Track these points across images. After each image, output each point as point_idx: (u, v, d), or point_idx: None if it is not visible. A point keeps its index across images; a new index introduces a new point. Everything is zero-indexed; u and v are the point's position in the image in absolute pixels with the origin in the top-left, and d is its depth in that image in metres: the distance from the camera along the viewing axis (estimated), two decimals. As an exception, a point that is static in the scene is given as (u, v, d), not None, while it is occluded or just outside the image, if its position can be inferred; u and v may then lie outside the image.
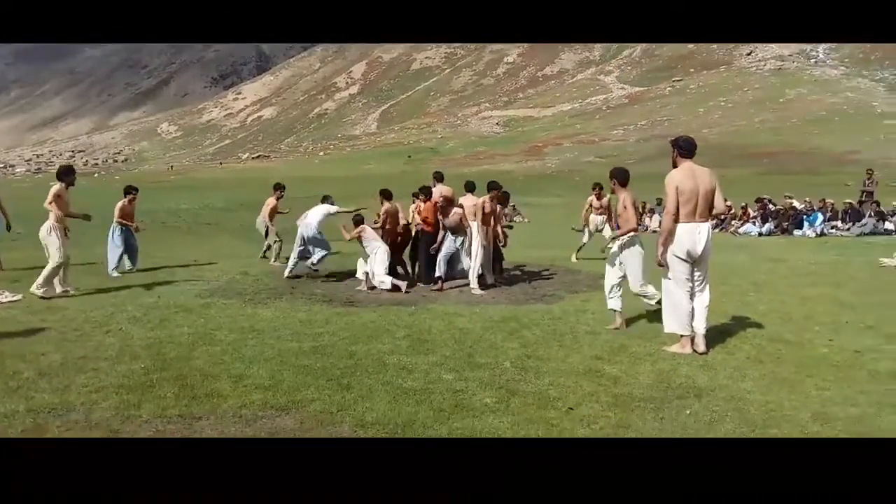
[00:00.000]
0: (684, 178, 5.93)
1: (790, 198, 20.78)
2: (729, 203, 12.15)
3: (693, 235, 5.94)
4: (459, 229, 10.20)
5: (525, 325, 7.25)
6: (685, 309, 6.06)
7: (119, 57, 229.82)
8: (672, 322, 6.16)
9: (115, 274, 11.33)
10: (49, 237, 9.06)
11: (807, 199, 20.51)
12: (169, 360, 5.84)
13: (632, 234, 7.05)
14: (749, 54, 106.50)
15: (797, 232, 19.20)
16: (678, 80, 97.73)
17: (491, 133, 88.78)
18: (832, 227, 18.93)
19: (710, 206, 6.00)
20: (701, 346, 6.04)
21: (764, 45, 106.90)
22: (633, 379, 5.32)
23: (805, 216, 19.58)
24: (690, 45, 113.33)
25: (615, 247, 7.25)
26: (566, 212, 28.91)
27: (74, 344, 6.40)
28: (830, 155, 47.91)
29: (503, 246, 11.24)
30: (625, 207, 7.01)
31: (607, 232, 13.46)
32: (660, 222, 10.80)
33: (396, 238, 11.08)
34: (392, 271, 10.59)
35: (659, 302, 6.79)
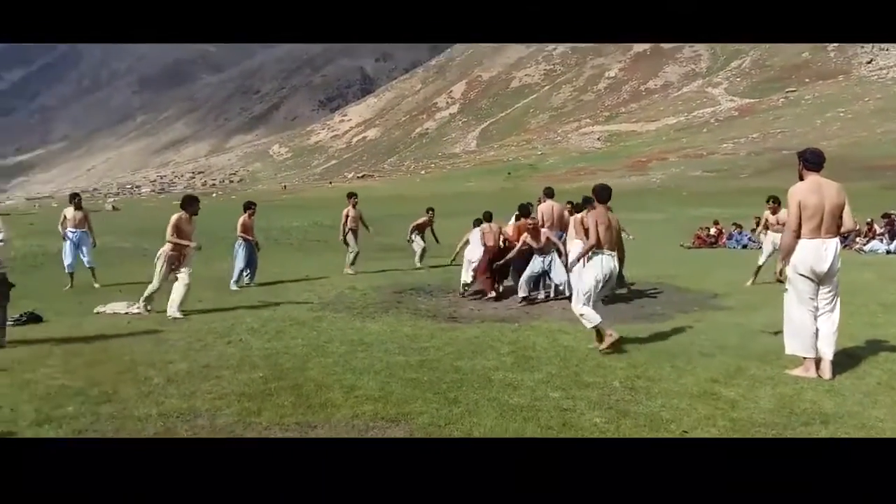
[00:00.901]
0: (809, 192, 5.63)
1: (922, 213, 19.27)
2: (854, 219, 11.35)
3: (818, 252, 5.61)
4: (546, 247, 10.34)
5: (633, 345, 7.07)
6: (808, 330, 5.73)
7: (234, 84, 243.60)
8: (794, 343, 5.83)
9: (235, 287, 11.96)
10: (158, 262, 9.40)
11: (941, 214, 18.96)
12: (285, 370, 6.09)
13: (594, 250, 6.91)
14: (869, 62, 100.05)
15: (930, 250, 17.77)
16: (792, 91, 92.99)
17: (592, 148, 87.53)
18: (971, 245, 17.41)
19: (838, 223, 5.66)
20: (827, 373, 5.66)
21: (886, 52, 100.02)
22: (753, 403, 5.07)
23: (939, 233, 18.10)
24: (805, 54, 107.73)
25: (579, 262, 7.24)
26: (672, 228, 28.05)
27: (199, 353, 6.80)
28: (966, 167, 44.15)
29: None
30: (585, 226, 7.02)
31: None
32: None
33: (494, 256, 11.18)
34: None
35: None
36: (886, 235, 18.93)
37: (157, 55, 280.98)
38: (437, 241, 16.51)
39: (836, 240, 5.70)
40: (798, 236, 5.66)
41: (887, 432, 4.44)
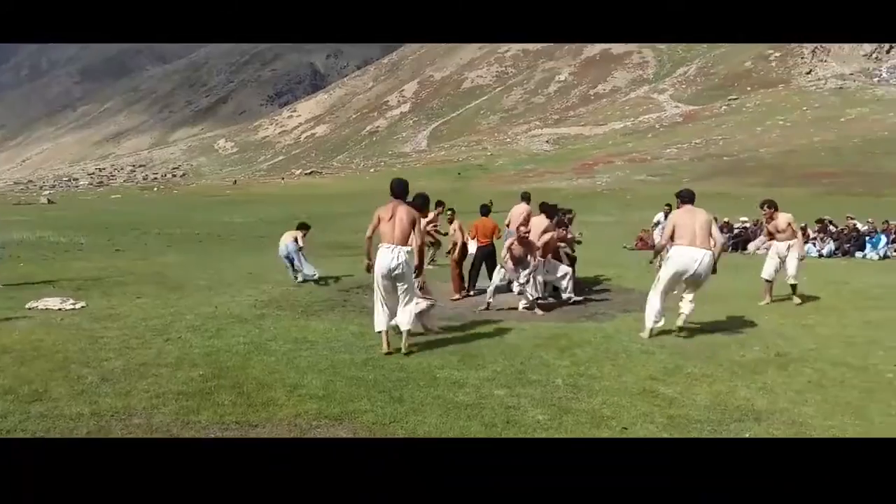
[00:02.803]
0: (683, 215, 7.60)
1: (852, 219, 20.10)
2: (792, 222, 11.47)
3: (690, 256, 7.34)
4: (523, 262, 9.63)
5: (576, 343, 7.18)
6: (659, 307, 7.56)
7: (180, 76, 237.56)
8: (652, 317, 7.55)
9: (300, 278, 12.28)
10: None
11: (869, 220, 19.81)
12: (226, 368, 5.97)
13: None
14: (809, 73, 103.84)
15: (858, 254, 18.55)
16: (734, 99, 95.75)
17: (540, 151, 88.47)
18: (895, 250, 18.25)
19: (711, 240, 7.43)
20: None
21: (824, 63, 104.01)
22: (690, 400, 5.22)
23: (867, 238, 18.90)
24: (747, 63, 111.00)
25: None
26: (617, 230, 28.57)
27: (136, 351, 6.61)
28: (894, 176, 46.18)
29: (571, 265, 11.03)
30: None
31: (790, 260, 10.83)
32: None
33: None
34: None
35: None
36: (819, 240, 19.67)
37: (100, 45, 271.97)
38: None
39: (709, 252, 7.32)
40: (671, 242, 7.59)
41: (816, 429, 4.62)
